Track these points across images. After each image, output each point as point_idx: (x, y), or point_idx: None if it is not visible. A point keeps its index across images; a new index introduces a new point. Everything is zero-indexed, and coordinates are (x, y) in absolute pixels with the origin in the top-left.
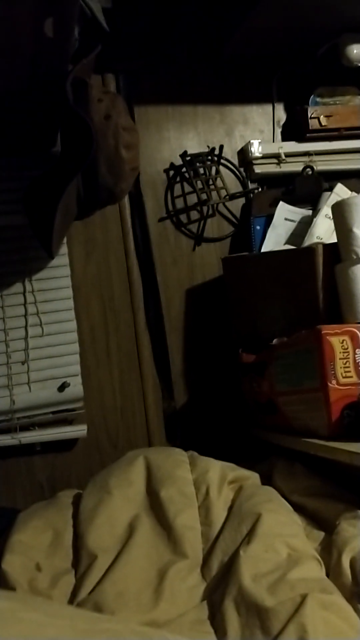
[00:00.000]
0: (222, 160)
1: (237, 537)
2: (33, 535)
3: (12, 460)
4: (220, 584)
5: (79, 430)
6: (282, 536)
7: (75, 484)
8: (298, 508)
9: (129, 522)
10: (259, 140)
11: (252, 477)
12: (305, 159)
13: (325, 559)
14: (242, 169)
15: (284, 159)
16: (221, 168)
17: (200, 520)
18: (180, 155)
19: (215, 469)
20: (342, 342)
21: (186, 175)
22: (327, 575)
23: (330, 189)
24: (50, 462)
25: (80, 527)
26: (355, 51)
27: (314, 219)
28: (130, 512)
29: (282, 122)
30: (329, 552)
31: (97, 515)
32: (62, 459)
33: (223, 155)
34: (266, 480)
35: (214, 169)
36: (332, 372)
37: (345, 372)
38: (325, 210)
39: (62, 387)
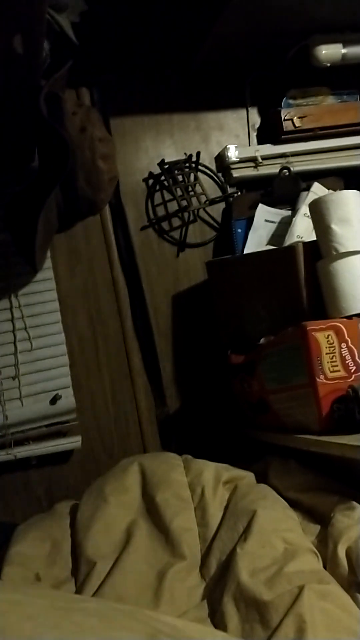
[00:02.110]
0: (200, 167)
1: (234, 536)
2: (31, 546)
3: (8, 475)
4: (219, 582)
5: (73, 442)
6: (277, 531)
7: (73, 496)
8: (294, 504)
9: (126, 528)
10: (235, 145)
11: (247, 477)
12: (282, 160)
13: (322, 551)
14: (220, 174)
15: (260, 162)
16: (199, 174)
17: (197, 521)
18: (158, 164)
19: (210, 470)
20: (328, 337)
21: (165, 183)
22: (325, 567)
23: (308, 189)
24: (47, 476)
25: (77, 536)
26: (324, 52)
27: (294, 219)
28: (127, 518)
29: (257, 126)
30: (325, 544)
31: (94, 523)
32: (58, 472)
33: (200, 161)
34: (262, 479)
35: (192, 175)
36: (320, 367)
37: (332, 366)
38: (304, 210)
39: (54, 400)
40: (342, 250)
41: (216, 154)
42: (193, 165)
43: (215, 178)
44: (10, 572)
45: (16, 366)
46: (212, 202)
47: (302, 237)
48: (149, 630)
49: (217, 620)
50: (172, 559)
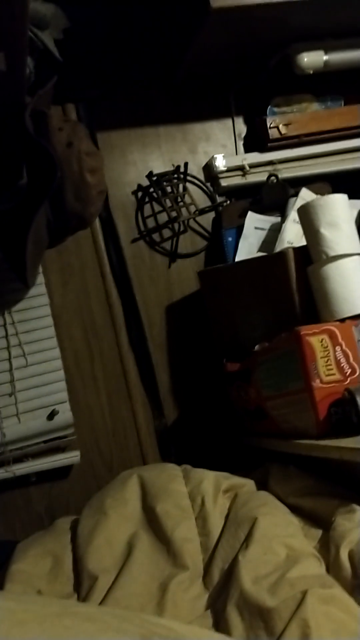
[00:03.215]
0: (188, 177)
1: (236, 544)
2: (33, 563)
3: (8, 493)
4: (222, 591)
5: (72, 457)
6: (279, 537)
7: (74, 511)
8: (295, 509)
9: (128, 541)
10: (223, 155)
11: (247, 484)
12: (269, 168)
13: (325, 555)
14: (208, 184)
15: (248, 170)
16: (188, 185)
17: (198, 531)
18: (147, 176)
19: (209, 479)
20: (322, 341)
21: (154, 195)
22: (328, 571)
23: (296, 195)
24: (47, 492)
25: (79, 551)
26: (305, 59)
27: (283, 225)
28: (128, 531)
29: (243, 135)
30: (327, 548)
31: (95, 537)
32: (58, 488)
33: (188, 172)
34: (262, 486)
35: (181, 186)
36: (315, 371)
37: (327, 370)
38: (293, 215)
39: (51, 416)
40: (332, 254)
41: (204, 164)
42: (181, 176)
43: (204, 188)
44: (12, 589)
45: (12, 383)
46: (202, 212)
47: (292, 243)
48: (142, 632)
49: (222, 629)
50: (175, 570)
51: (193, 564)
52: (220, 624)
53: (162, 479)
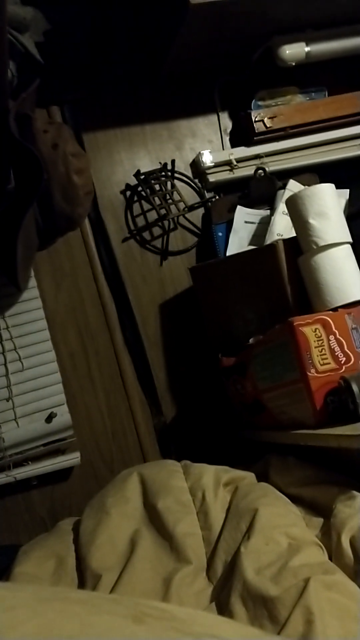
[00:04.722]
0: (175, 174)
1: (237, 536)
2: (36, 565)
3: (9, 498)
4: (226, 583)
5: (72, 459)
6: (280, 527)
7: (76, 513)
8: (296, 499)
9: (130, 538)
10: (209, 150)
11: (248, 477)
12: (256, 161)
13: (327, 543)
14: (196, 180)
15: (235, 165)
16: (176, 182)
17: (200, 525)
18: (134, 175)
19: (209, 473)
20: (315, 331)
21: (143, 193)
22: (330, 559)
23: (284, 187)
24: (49, 495)
25: (81, 551)
26: (287, 52)
27: (272, 218)
28: (130, 529)
29: (229, 130)
30: (329, 536)
31: (97, 537)
32: (60, 490)
33: (176, 169)
34: (263, 478)
35: (169, 183)
36: (310, 361)
37: (322, 359)
38: (282, 207)
39: (49, 418)
40: (322, 243)
41: (191, 160)
42: (169, 173)
43: (192, 184)
44: None
45: (9, 387)
46: (191, 208)
47: (282, 235)
48: (133, 613)
49: None
50: (178, 565)
51: (196, 558)
52: (224, 616)
53: (162, 475)
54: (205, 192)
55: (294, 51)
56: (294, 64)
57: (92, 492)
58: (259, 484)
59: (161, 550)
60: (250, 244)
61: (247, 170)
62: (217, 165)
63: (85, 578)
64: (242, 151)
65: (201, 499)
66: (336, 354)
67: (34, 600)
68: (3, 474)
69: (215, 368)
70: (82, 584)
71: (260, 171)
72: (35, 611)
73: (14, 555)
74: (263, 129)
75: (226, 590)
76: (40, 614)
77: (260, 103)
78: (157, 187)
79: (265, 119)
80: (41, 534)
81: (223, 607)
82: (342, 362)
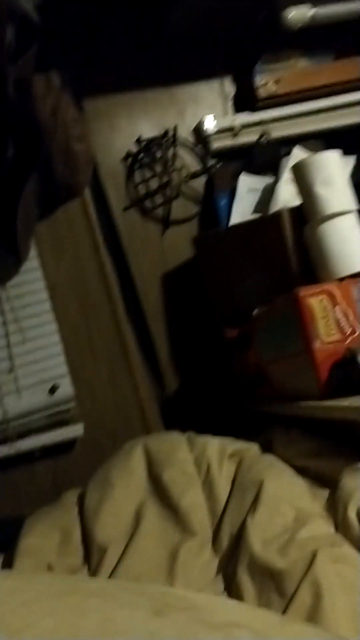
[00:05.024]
0: (178, 141)
1: (243, 508)
2: (42, 537)
3: (13, 469)
4: (232, 555)
5: (75, 430)
6: (286, 499)
7: (80, 485)
8: (301, 471)
9: (135, 510)
10: (212, 116)
11: (252, 448)
12: (260, 127)
13: (333, 515)
14: (199, 147)
15: (239, 131)
16: (178, 149)
17: (205, 497)
18: (136, 142)
19: (214, 445)
20: (321, 302)
21: (144, 161)
22: (336, 530)
23: (289, 154)
24: (52, 467)
25: (87, 523)
26: (292, 14)
27: (277, 186)
28: (135, 501)
29: (232, 95)
30: (335, 508)
31: (103, 509)
32: (63, 462)
33: (178, 135)
34: (267, 449)
35: (171, 150)
36: (315, 332)
37: (328, 331)
38: (287, 175)
39: (52, 390)
40: (328, 212)
41: (193, 126)
42: (171, 140)
43: (195, 151)
44: (22, 564)
45: (11, 359)
46: (194, 176)
47: (287, 203)
48: (154, 605)
49: (233, 593)
50: (184, 537)
51: (202, 530)
52: (231, 588)
53: (166, 447)
54: (208, 159)
55: (298, 13)
56: (299, 26)
57: (95, 463)
58: (264, 456)
59: (166, 522)
60: (254, 212)
61: (250, 137)
62: (220, 131)
63: (91, 550)
64: (246, 117)
65: (206, 470)
66: (341, 325)
67: (49, 593)
68: (6, 445)
69: (218, 340)
70: (87, 556)
71: (264, 137)
72: (52, 606)
73: (18, 527)
74: (267, 93)
75: (232, 562)
76: (57, 609)
77: (264, 67)
78: (158, 154)
79: (270, 84)
80: (45, 506)
81: (230, 580)
82: (348, 333)
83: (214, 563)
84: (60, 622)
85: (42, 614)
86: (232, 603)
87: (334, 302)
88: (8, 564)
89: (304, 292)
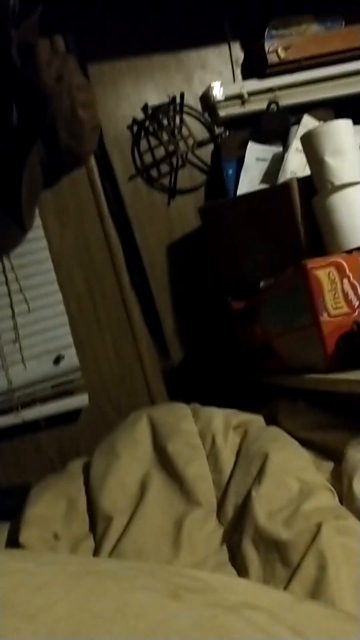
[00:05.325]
0: (184, 109)
1: (248, 479)
2: (47, 506)
3: (19, 439)
4: (237, 526)
5: (80, 401)
6: (291, 471)
7: (85, 454)
8: (305, 443)
9: (140, 481)
10: (220, 83)
11: (257, 420)
12: (269, 95)
13: (337, 487)
14: (206, 115)
15: (247, 99)
16: (185, 116)
17: (210, 468)
18: (142, 109)
19: (219, 417)
20: (329, 274)
21: (150, 128)
22: (341, 503)
23: (298, 122)
24: (57, 437)
25: (93, 494)
26: None
27: (286, 155)
28: (140, 471)
29: (240, 61)
30: (339, 480)
31: (108, 479)
32: (68, 432)
33: (185, 103)
34: (271, 421)
35: (177, 118)
36: (323, 305)
37: (335, 303)
38: (296, 144)
39: (57, 360)
40: (338, 183)
41: (200, 93)
42: (177, 107)
43: (202, 119)
44: (28, 533)
45: (15, 329)
46: (200, 144)
47: (295, 173)
48: (170, 587)
49: (238, 564)
50: (189, 507)
51: (206, 501)
52: (236, 558)
53: (171, 418)
54: (215, 127)
55: None
56: None
57: (100, 433)
58: (268, 428)
59: (171, 492)
60: (262, 182)
61: (259, 105)
62: (227, 98)
63: (96, 520)
64: (254, 84)
65: (211, 442)
66: (349, 298)
67: (64, 576)
68: (12, 415)
69: (224, 311)
70: (93, 526)
71: (273, 105)
72: (67, 589)
73: (24, 496)
74: (276, 60)
75: (237, 533)
76: (72, 592)
77: (274, 32)
78: (165, 122)
79: (279, 50)
80: (50, 475)
81: (234, 550)
82: (355, 306)
83: (219, 533)
84: (75, 607)
85: (56, 598)
86: (245, 583)
87: (342, 274)
88: (14, 533)
89: (312, 264)
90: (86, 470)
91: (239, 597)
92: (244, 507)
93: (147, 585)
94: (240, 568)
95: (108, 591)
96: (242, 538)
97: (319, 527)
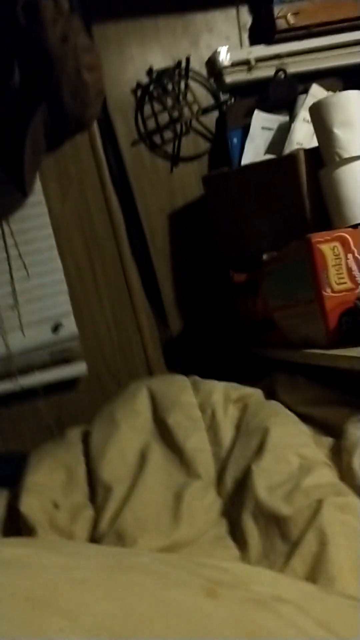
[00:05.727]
0: (190, 73)
1: (248, 453)
2: (47, 475)
3: (16, 406)
4: (236, 499)
5: (78, 369)
6: (291, 447)
7: (83, 422)
8: (305, 418)
9: (140, 451)
10: (226, 47)
11: (256, 394)
12: (277, 62)
13: (337, 463)
14: (211, 80)
15: (254, 65)
16: (190, 82)
17: (210, 441)
18: (146, 73)
19: (219, 390)
20: (334, 249)
21: (154, 93)
22: (341, 479)
23: (306, 91)
24: (56, 404)
25: (92, 463)
26: None
27: (292, 125)
28: (140, 442)
29: (248, 26)
30: (339, 456)
31: (108, 449)
32: (66, 400)
33: (191, 67)
34: (270, 395)
35: (182, 83)
36: (326, 280)
37: (339, 279)
38: (303, 114)
39: (55, 328)
40: (346, 155)
41: (206, 58)
42: (183, 72)
43: (207, 85)
44: (28, 501)
45: (14, 295)
46: (205, 111)
47: (302, 144)
48: (204, 584)
49: (238, 537)
50: (188, 479)
51: (206, 473)
52: (235, 532)
53: (171, 390)
54: (221, 93)
55: None
56: None
57: (98, 402)
58: (268, 402)
59: (171, 464)
60: (267, 152)
61: (266, 71)
62: (234, 64)
63: (96, 490)
64: (262, 50)
65: (211, 415)
66: (353, 273)
67: (100, 570)
68: (9, 381)
69: (225, 283)
70: (93, 495)
71: (280, 73)
72: (106, 586)
73: (22, 463)
74: (285, 26)
75: (237, 506)
76: (111, 590)
77: None
78: (169, 86)
79: (288, 15)
80: (49, 442)
81: (233, 523)
82: (359, 282)
83: (218, 505)
84: (115, 605)
85: (96, 596)
86: (270, 574)
87: (347, 249)
88: (14, 500)
89: (316, 238)
90: (85, 439)
91: (267, 589)
92: (244, 481)
93: (181, 581)
94: (240, 541)
95: (145, 588)
96: (241, 511)
97: (319, 503)
